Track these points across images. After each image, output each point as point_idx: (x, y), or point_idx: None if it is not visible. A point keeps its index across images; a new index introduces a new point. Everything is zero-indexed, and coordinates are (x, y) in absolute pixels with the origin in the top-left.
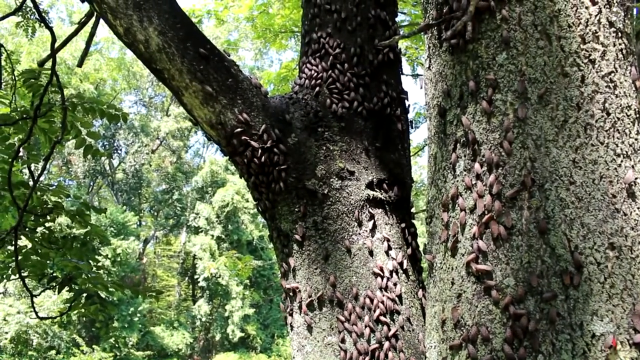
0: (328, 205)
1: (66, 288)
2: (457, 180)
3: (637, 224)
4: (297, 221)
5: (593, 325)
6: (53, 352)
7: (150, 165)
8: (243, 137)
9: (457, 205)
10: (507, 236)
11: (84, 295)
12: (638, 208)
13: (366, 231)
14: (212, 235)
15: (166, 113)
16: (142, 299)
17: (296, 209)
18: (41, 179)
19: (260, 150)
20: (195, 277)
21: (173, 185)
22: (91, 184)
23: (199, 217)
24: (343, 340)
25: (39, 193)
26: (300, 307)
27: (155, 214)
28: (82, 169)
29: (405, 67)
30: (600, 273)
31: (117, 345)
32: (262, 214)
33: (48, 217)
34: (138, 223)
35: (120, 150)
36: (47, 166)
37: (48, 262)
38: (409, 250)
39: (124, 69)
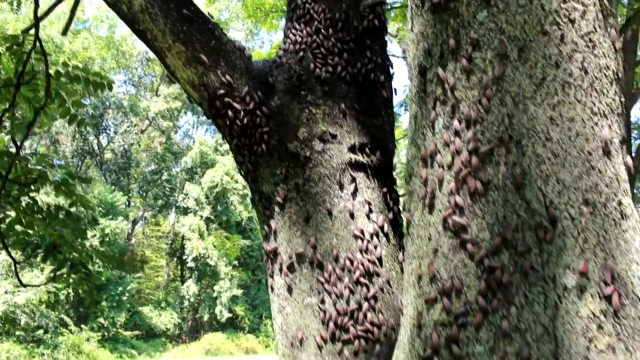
0: (310, 167)
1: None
2: (436, 138)
3: (611, 182)
4: (278, 183)
5: (565, 278)
6: (41, 331)
7: (140, 146)
8: (226, 99)
9: (435, 162)
10: (483, 191)
11: (69, 264)
12: (613, 166)
13: (347, 194)
14: (201, 216)
15: (156, 93)
16: (129, 275)
17: (278, 172)
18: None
19: (242, 112)
20: (184, 257)
21: (162, 165)
22: (79, 163)
23: (188, 197)
24: (323, 301)
25: (23, 162)
26: (280, 269)
27: (144, 194)
28: (70, 149)
29: (396, 49)
30: (574, 228)
31: (105, 325)
32: (245, 177)
33: (32, 187)
34: (127, 203)
35: (109, 130)
36: (29, 133)
37: (32, 231)
38: (390, 215)
39: (112, 47)
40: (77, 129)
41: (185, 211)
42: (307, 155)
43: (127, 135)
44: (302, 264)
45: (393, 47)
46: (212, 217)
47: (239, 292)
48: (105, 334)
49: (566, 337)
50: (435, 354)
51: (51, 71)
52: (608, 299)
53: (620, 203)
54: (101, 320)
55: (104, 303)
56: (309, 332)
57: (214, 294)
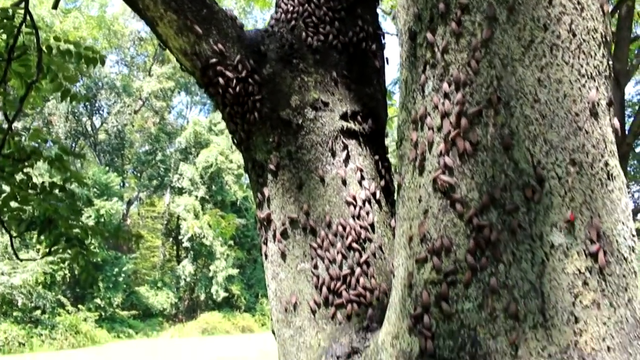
0: (302, 135)
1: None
2: (426, 101)
3: (598, 142)
4: (271, 151)
5: (552, 236)
6: (38, 312)
7: (133, 126)
8: (218, 68)
9: (425, 125)
10: (472, 152)
11: (65, 239)
12: (600, 127)
13: (340, 161)
14: (196, 196)
15: (149, 73)
16: (125, 256)
17: (270, 139)
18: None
19: (235, 81)
20: (180, 237)
21: (156, 146)
22: (73, 145)
23: (183, 178)
24: (316, 267)
25: (16, 138)
26: (274, 236)
27: (139, 175)
28: (63, 130)
29: (391, 27)
30: (561, 187)
31: (102, 305)
32: (238, 146)
33: (26, 163)
34: (121, 184)
35: (102, 110)
36: (22, 108)
37: (27, 207)
38: (382, 182)
39: (104, 27)
40: (69, 109)
41: (180, 191)
42: (300, 123)
43: (120, 116)
44: (295, 230)
45: (388, 25)
46: (207, 197)
47: (235, 271)
48: (102, 314)
49: (552, 293)
50: (425, 311)
51: (43, 47)
52: (594, 256)
53: (606, 164)
54: (98, 300)
55: (100, 284)
56: (302, 297)
57: (210, 274)
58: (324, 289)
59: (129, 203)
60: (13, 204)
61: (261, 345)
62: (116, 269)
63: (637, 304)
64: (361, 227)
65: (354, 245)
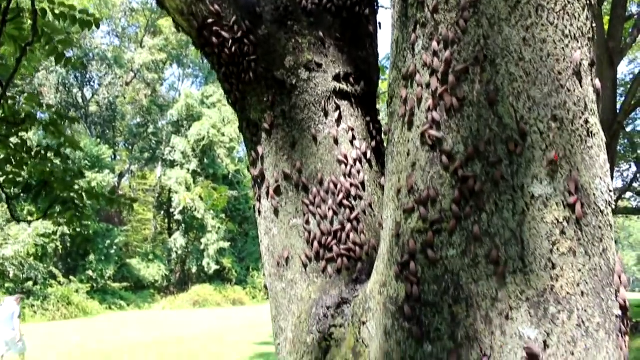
0: (296, 95)
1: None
2: (416, 59)
3: (579, 100)
4: (265, 110)
5: (533, 187)
6: (30, 283)
7: (125, 98)
8: (214, 28)
9: (414, 82)
10: (459, 107)
11: (60, 202)
12: (582, 86)
13: (332, 121)
14: (188, 169)
15: (140, 45)
16: (117, 228)
17: (265, 99)
18: None
19: (230, 41)
20: (171, 210)
21: (148, 118)
22: None
23: (175, 150)
24: (308, 222)
25: (10, 102)
26: (267, 193)
27: (130, 147)
28: (54, 101)
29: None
30: (543, 142)
31: (93, 277)
32: (233, 106)
33: (21, 127)
34: (113, 156)
35: (93, 82)
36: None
37: (23, 171)
38: (373, 143)
39: None
40: (60, 81)
41: (171, 164)
42: (293, 83)
43: (111, 88)
44: (288, 187)
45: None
46: (199, 170)
47: (226, 244)
48: (94, 285)
49: (532, 240)
50: (412, 258)
51: (37, 7)
52: (571, 207)
53: (587, 121)
54: (90, 272)
55: (92, 256)
56: (294, 252)
57: (202, 247)
58: (315, 244)
59: (121, 176)
60: (9, 168)
61: (252, 318)
62: (108, 241)
63: (612, 254)
64: (352, 185)
65: (345, 202)
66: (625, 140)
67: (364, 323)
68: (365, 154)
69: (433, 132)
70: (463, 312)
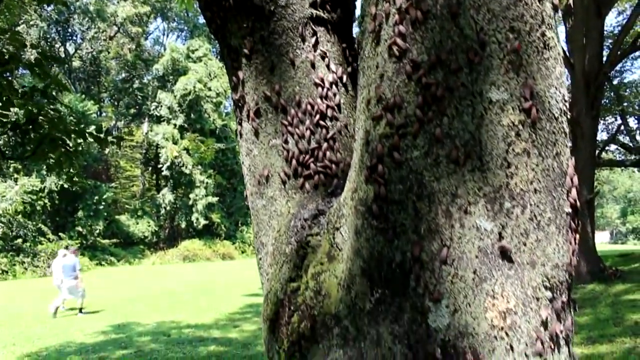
0: (274, 21)
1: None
2: None
3: (536, 14)
4: (245, 36)
5: (491, 93)
6: (20, 240)
7: (108, 53)
8: None
9: (383, 0)
10: (423, 19)
11: (49, 140)
12: (539, 0)
13: (309, 46)
14: (175, 125)
15: None
16: (104, 185)
17: (245, 25)
18: None
19: None
20: (159, 166)
21: (133, 73)
22: None
23: (161, 106)
24: (286, 142)
25: None
26: (248, 115)
27: (116, 103)
28: (36, 56)
29: None
30: (501, 51)
31: (83, 233)
32: (214, 34)
33: (5, 67)
34: (98, 112)
35: (76, 36)
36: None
37: (9, 112)
38: (349, 69)
39: None
40: (41, 35)
41: (158, 120)
42: (272, 10)
43: (95, 42)
44: (268, 109)
45: None
46: (186, 125)
47: (215, 199)
48: (84, 242)
49: (489, 142)
50: (380, 162)
51: None
52: (526, 112)
53: (543, 34)
54: (79, 228)
55: (80, 212)
56: (274, 170)
57: (190, 202)
58: (294, 162)
59: (107, 132)
60: None
61: (241, 271)
62: (96, 197)
63: (565, 159)
64: (328, 106)
65: (322, 122)
66: (612, 94)
67: (337, 229)
68: (341, 78)
69: (399, 43)
70: (426, 207)
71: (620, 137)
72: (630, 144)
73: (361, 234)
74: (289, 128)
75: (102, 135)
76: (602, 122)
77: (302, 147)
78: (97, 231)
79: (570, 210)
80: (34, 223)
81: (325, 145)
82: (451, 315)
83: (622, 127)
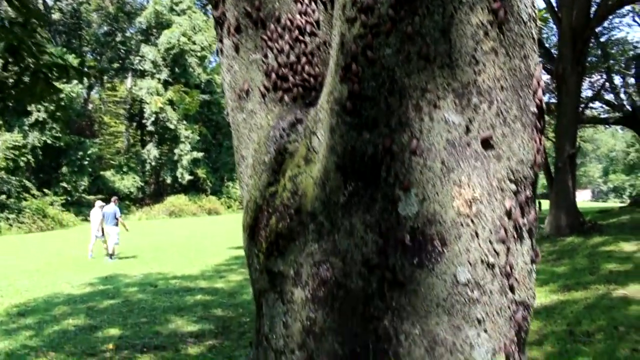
0: None
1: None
2: None
3: None
4: None
5: None
6: (4, 197)
7: (90, 5)
8: None
9: None
10: None
11: (30, 72)
12: None
13: None
14: (159, 79)
15: None
16: (88, 140)
17: None
18: None
19: None
20: (143, 121)
21: (115, 26)
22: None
23: (145, 60)
24: (266, 56)
25: None
26: (228, 32)
27: (98, 57)
28: (11, 11)
29: None
30: None
31: (68, 189)
32: None
33: None
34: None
35: None
36: None
37: None
38: None
39: None
40: None
41: (142, 74)
42: None
43: None
44: (248, 24)
45: None
46: (170, 79)
47: (200, 155)
48: (69, 198)
49: (458, 40)
50: (354, 61)
51: None
52: (495, 12)
53: None
54: (64, 184)
55: (64, 168)
56: (254, 84)
57: (175, 157)
58: (273, 75)
59: (90, 87)
60: None
61: (227, 225)
62: (80, 153)
63: (533, 62)
64: (307, 22)
65: (300, 37)
66: (599, 51)
67: (314, 133)
68: None
69: None
70: (397, 102)
71: (605, 95)
72: (615, 102)
73: (335, 131)
74: (269, 43)
75: (85, 69)
76: (587, 79)
77: (281, 61)
78: (82, 187)
79: (536, 110)
80: (18, 179)
81: (304, 59)
82: (420, 203)
83: (607, 85)
